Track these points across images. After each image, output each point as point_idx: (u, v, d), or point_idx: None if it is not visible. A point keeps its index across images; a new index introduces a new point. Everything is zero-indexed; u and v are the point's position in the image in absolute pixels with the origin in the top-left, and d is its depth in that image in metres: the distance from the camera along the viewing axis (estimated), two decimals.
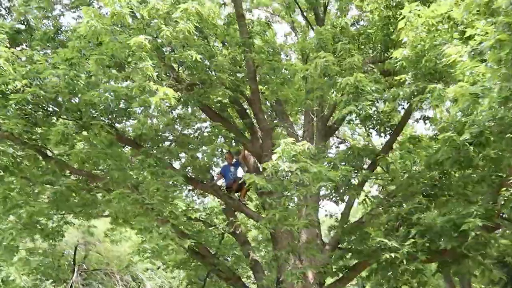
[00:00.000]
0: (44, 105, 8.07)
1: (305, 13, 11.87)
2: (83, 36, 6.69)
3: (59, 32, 9.60)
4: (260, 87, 11.17)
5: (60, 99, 7.22)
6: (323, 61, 7.17)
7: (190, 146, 9.49)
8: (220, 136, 8.46)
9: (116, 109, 8.99)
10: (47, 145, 8.18)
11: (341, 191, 7.74)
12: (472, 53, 6.02)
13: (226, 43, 10.66)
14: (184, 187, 9.17)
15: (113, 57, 6.93)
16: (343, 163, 7.61)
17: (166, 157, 8.73)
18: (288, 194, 7.44)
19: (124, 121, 9.87)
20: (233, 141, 11.03)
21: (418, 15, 6.61)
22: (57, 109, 8.02)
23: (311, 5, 11.57)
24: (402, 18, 6.80)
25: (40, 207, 7.67)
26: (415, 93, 6.90)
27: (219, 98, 10.84)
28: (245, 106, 11.62)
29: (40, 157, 8.17)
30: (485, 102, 5.35)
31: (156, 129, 9.50)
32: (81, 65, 6.98)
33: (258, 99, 10.60)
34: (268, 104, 12.63)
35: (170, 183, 7.44)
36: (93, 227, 15.61)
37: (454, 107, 5.87)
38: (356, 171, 7.84)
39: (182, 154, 9.85)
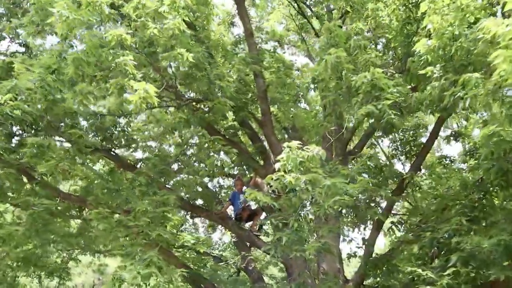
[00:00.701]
0: (33, 124, 6.99)
1: (319, 34, 10.71)
2: (61, 35, 5.62)
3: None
4: (272, 109, 9.93)
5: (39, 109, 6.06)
6: (334, 58, 5.83)
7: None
8: (221, 152, 7.06)
9: (113, 130, 7.88)
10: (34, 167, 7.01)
11: (361, 210, 6.09)
12: None
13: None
14: (178, 208, 7.69)
15: (98, 62, 5.81)
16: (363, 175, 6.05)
17: (164, 179, 7.39)
18: (298, 213, 5.88)
19: (125, 148, 8.73)
20: (243, 164, 9.67)
21: None
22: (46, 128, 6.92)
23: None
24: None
25: (10, 230, 6.36)
26: (446, 88, 5.42)
27: (229, 123, 9.68)
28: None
29: (25, 179, 7.00)
30: None
31: (156, 154, 8.27)
32: (61, 70, 5.88)
33: (270, 121, 9.28)
34: (284, 133, 11.34)
35: (161, 202, 6.04)
36: (105, 266, 14.19)
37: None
38: (378, 187, 6.23)
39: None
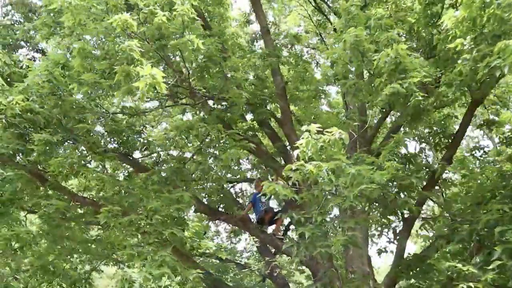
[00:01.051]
0: (46, 125, 6.71)
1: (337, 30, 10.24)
2: (68, 27, 5.34)
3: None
4: (292, 108, 9.46)
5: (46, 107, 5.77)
6: (353, 37, 5.34)
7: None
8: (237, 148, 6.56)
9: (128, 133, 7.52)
10: (47, 169, 6.72)
11: (390, 201, 5.45)
12: None
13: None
14: (197, 213, 7.22)
15: (106, 55, 5.49)
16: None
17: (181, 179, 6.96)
18: (322, 206, 5.31)
19: (146, 156, 8.35)
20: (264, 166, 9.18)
21: None
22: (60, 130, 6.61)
23: None
24: None
25: (19, 231, 6.03)
26: (479, 61, 4.83)
27: (248, 125, 9.25)
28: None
29: (38, 182, 6.70)
30: None
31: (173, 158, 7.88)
32: (69, 65, 5.60)
33: (290, 119, 8.82)
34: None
35: (174, 200, 5.59)
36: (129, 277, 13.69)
37: None
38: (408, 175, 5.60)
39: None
